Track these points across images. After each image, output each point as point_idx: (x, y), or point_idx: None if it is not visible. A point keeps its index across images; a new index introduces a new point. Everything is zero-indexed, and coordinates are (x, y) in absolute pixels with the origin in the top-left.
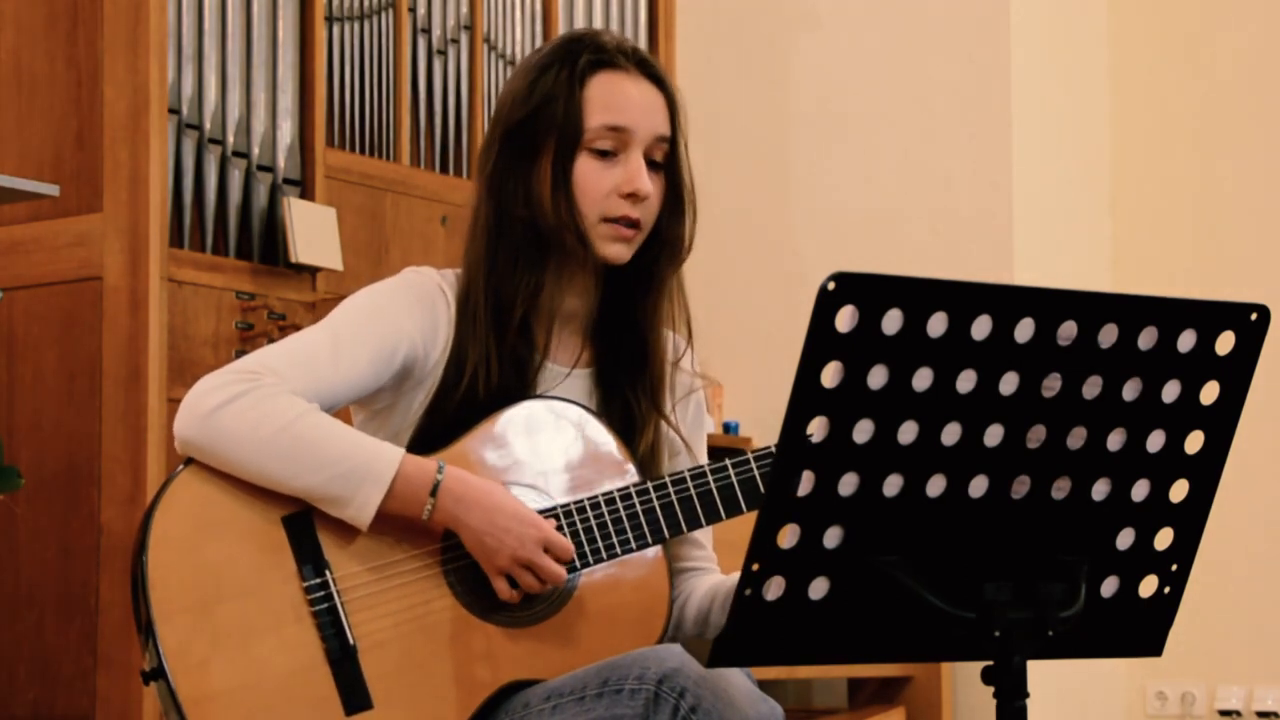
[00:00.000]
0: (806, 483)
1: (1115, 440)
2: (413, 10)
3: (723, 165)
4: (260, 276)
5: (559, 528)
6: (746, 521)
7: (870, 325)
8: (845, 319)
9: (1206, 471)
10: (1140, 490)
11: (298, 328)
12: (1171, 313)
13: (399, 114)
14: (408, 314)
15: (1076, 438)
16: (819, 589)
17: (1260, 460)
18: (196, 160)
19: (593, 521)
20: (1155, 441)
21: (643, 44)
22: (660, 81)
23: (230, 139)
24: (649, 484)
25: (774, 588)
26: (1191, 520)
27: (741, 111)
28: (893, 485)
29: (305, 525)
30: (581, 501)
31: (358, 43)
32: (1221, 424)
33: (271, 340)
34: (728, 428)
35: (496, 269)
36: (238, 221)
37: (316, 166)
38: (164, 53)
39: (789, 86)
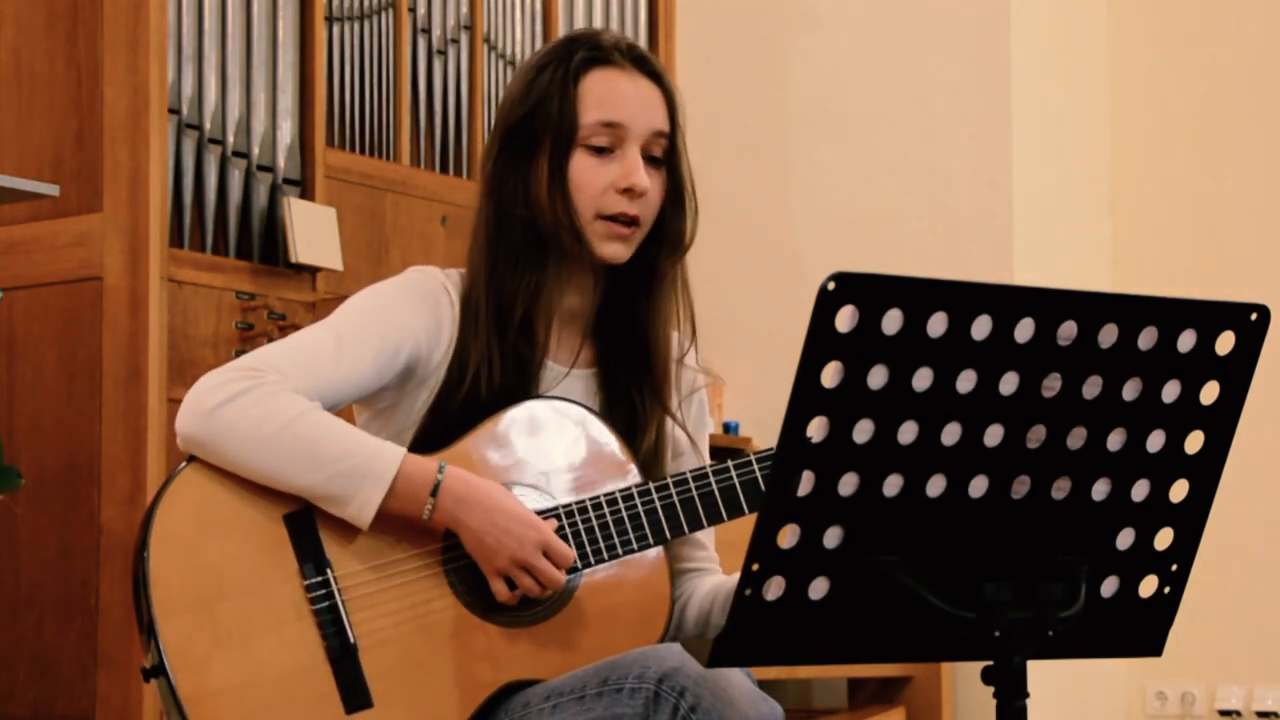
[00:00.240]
0: (806, 483)
1: (1115, 440)
2: (413, 10)
3: (722, 165)
4: (260, 276)
5: (560, 528)
6: (747, 522)
7: (870, 325)
8: (845, 319)
9: (1206, 471)
10: (1140, 490)
11: (298, 328)
12: (1171, 313)
13: (399, 114)
14: (411, 313)
15: (1076, 438)
16: (819, 589)
17: (1260, 460)
18: (196, 160)
19: (594, 522)
20: (1155, 441)
21: (643, 44)
22: (657, 77)
23: (230, 139)
24: (651, 485)
25: (774, 588)
26: (1191, 520)
27: (741, 111)
28: (893, 485)
29: (307, 524)
30: (583, 502)
31: (358, 43)
32: (1221, 424)
33: (272, 340)
34: (728, 428)
35: (497, 269)
36: (238, 221)
37: (316, 166)
38: (164, 53)
39: (789, 86)
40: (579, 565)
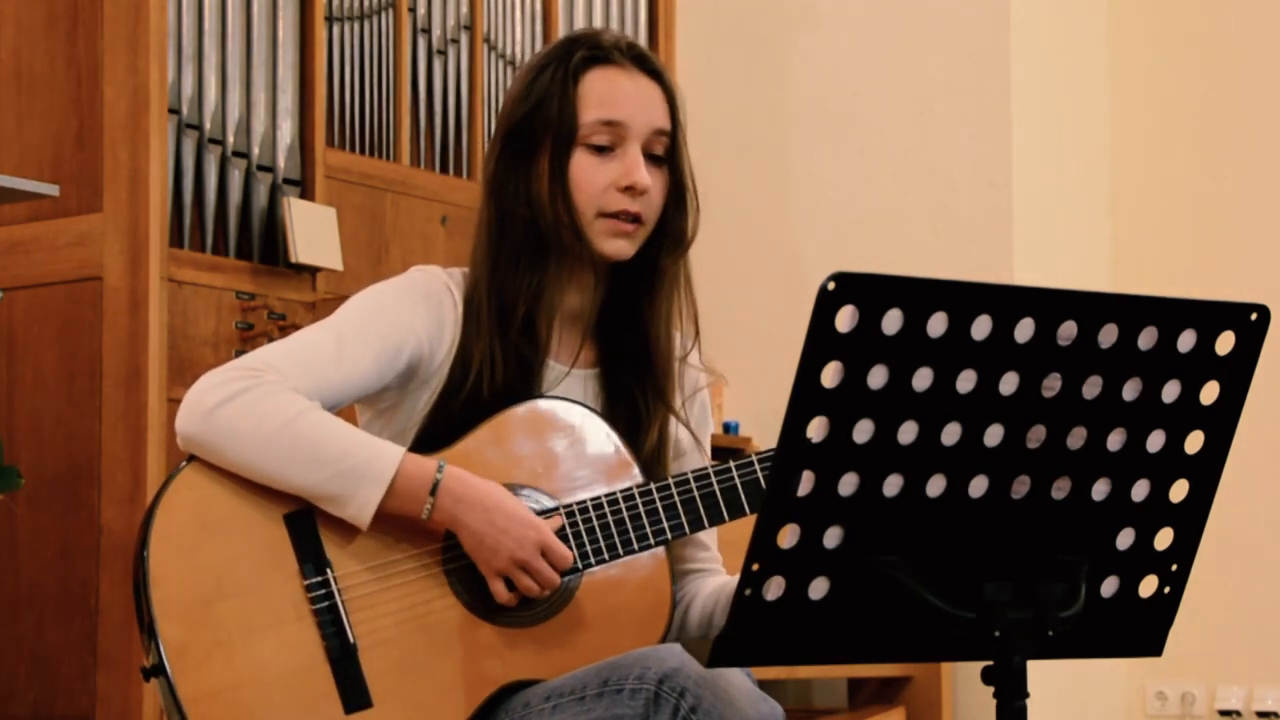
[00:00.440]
0: (806, 483)
1: (1115, 440)
2: (413, 10)
3: (723, 165)
4: (260, 276)
5: (561, 528)
6: (749, 521)
7: (870, 325)
8: (845, 319)
9: (1206, 471)
10: (1140, 490)
11: (298, 328)
12: (1171, 313)
13: (399, 114)
14: (413, 313)
15: (1076, 438)
16: (819, 589)
17: (1260, 460)
18: (196, 160)
19: (595, 522)
20: (1155, 441)
21: (642, 44)
22: (658, 75)
23: (230, 139)
24: (652, 485)
25: (774, 588)
26: (1191, 520)
27: (741, 111)
28: (893, 485)
29: (307, 524)
30: (584, 502)
31: (358, 43)
32: (1221, 424)
33: (272, 340)
34: (728, 428)
35: (499, 269)
36: (238, 221)
37: (316, 166)
38: (164, 53)
39: (789, 86)
40: (579, 565)
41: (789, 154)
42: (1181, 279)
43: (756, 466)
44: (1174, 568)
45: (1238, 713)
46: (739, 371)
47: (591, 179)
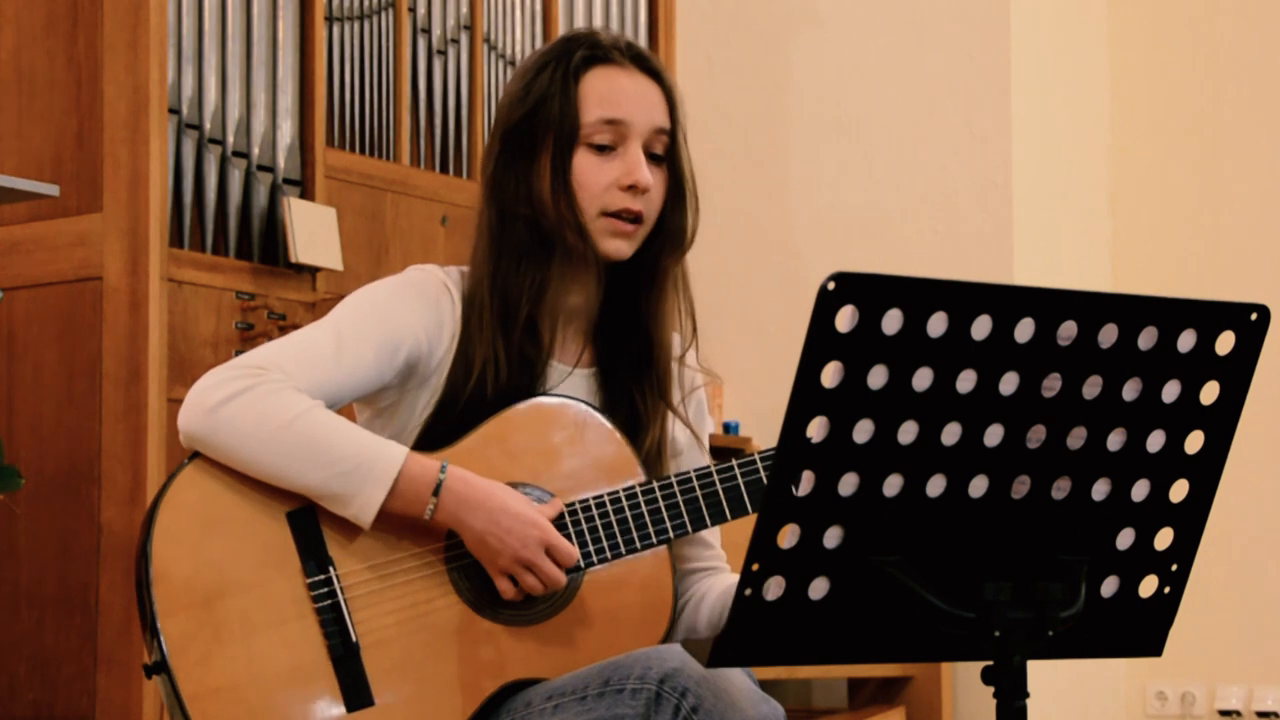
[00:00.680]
0: (806, 483)
1: (1115, 440)
2: (413, 10)
3: (723, 165)
4: (260, 276)
5: (563, 527)
6: (750, 521)
7: (870, 325)
8: (845, 319)
9: (1206, 471)
10: (1140, 490)
11: (297, 328)
12: (1171, 313)
13: (399, 114)
14: (410, 311)
15: (1076, 438)
16: (819, 589)
17: (1260, 460)
18: (196, 160)
19: (598, 521)
20: (1155, 441)
21: (642, 43)
22: (657, 74)
23: (230, 139)
24: (655, 484)
25: (774, 588)
26: (1191, 520)
27: (741, 111)
28: (893, 485)
29: (309, 522)
30: (586, 500)
31: (358, 43)
32: (1221, 424)
33: (272, 340)
34: (728, 427)
35: (501, 269)
36: (238, 221)
37: (316, 166)
38: (164, 53)
39: (789, 86)
40: (582, 564)
41: (789, 154)
42: (1181, 279)
43: (759, 466)
44: (1174, 568)
45: (1238, 713)
46: (739, 371)
47: (594, 178)
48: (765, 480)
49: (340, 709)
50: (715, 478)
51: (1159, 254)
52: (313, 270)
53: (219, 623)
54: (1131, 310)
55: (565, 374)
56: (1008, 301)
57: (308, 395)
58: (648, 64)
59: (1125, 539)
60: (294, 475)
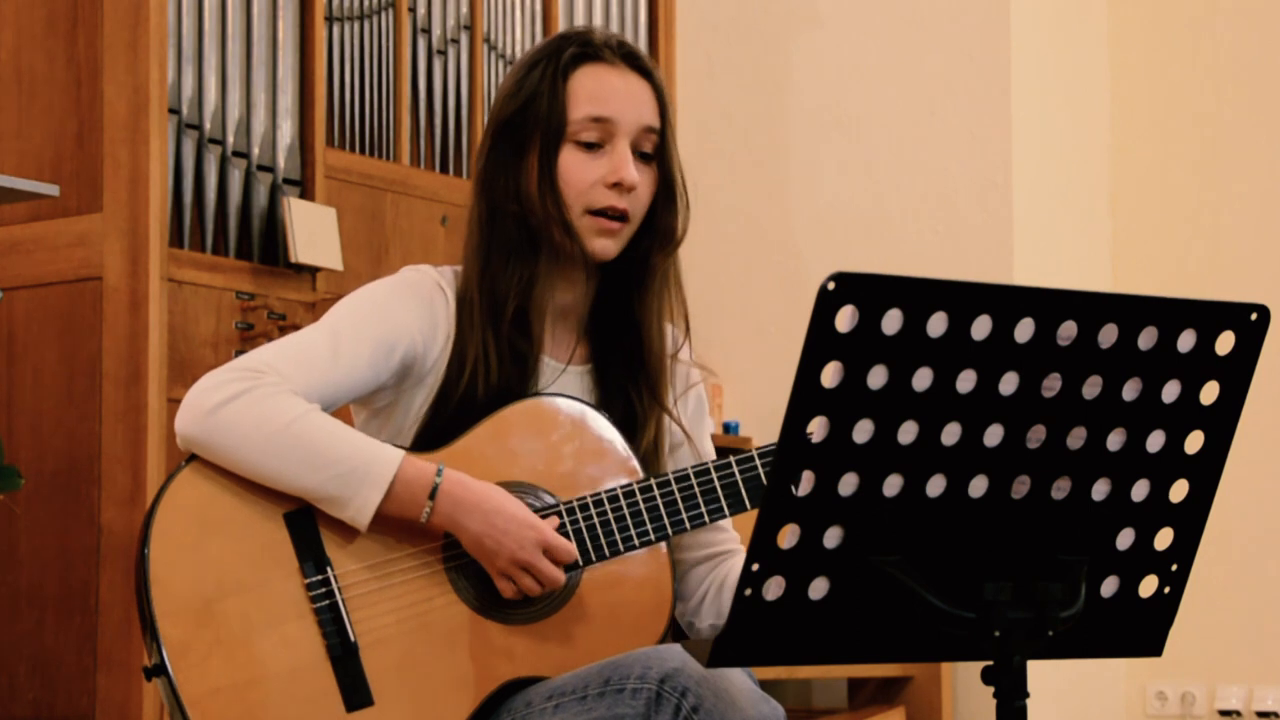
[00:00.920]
0: (806, 483)
1: (1115, 440)
2: (413, 10)
3: (723, 164)
4: (260, 276)
5: (561, 526)
6: (751, 517)
7: (870, 325)
8: (845, 319)
9: (1206, 471)
10: (1140, 490)
11: (297, 328)
12: (1171, 313)
13: (399, 114)
14: (405, 312)
15: (1076, 438)
16: (819, 589)
17: (1260, 460)
18: (196, 160)
19: (595, 519)
20: (1155, 441)
21: (643, 44)
22: (647, 73)
23: (230, 139)
24: (652, 481)
25: (774, 588)
26: (1191, 520)
27: (741, 111)
28: (893, 485)
29: (307, 522)
30: (585, 499)
31: (358, 43)
32: (1221, 424)
33: (271, 340)
34: (728, 427)
35: (490, 264)
36: (238, 221)
37: (316, 166)
38: (164, 53)
39: (789, 86)
40: (580, 562)
41: (789, 154)
42: (1181, 279)
43: (757, 462)
44: (1174, 568)
45: (1238, 713)
46: (739, 371)
47: (580, 175)
48: (764, 477)
49: (340, 709)
50: (713, 473)
51: (1159, 254)
52: (313, 270)
53: (218, 624)
54: (1131, 310)
55: (559, 370)
56: (1008, 301)
57: (305, 398)
58: (638, 62)
59: (1125, 539)
60: (290, 478)
